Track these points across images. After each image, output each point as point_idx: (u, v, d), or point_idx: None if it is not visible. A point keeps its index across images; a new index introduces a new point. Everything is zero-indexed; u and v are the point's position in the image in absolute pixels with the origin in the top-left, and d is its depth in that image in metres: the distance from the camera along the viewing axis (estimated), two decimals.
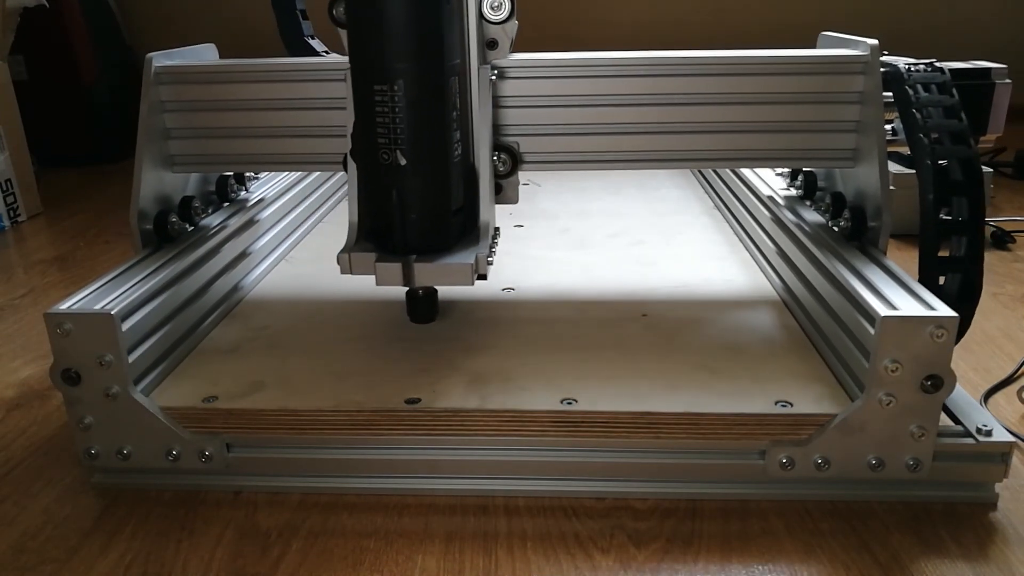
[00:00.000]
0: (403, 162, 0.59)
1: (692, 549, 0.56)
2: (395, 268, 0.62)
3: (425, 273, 0.62)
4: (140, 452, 0.61)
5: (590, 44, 2.12)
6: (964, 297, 0.62)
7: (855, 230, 0.70)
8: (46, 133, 1.75)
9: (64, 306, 0.59)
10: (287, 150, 0.75)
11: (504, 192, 0.71)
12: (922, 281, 0.62)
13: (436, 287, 0.75)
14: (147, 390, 0.63)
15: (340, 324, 0.76)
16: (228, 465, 0.62)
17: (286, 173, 1.01)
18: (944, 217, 0.63)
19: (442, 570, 0.54)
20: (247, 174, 0.91)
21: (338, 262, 0.62)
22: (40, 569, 0.55)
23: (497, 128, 0.71)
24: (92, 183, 1.68)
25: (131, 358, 0.60)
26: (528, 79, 0.70)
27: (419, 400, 0.61)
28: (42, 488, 0.64)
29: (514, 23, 0.65)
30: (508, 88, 0.70)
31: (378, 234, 0.63)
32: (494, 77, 0.68)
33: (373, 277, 0.64)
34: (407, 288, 0.71)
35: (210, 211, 0.83)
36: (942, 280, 0.63)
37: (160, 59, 0.74)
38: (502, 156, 0.70)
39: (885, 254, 0.68)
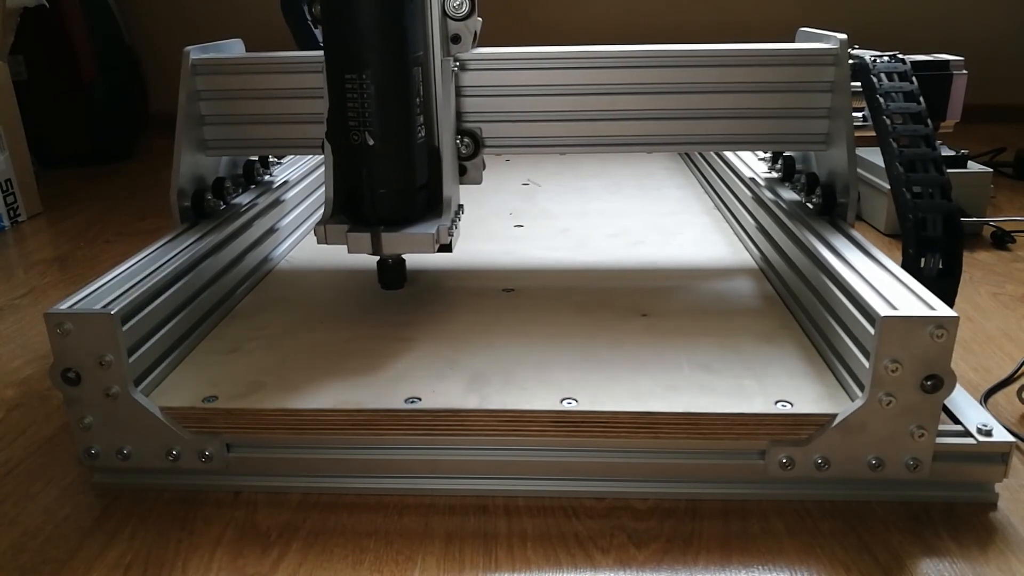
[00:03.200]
0: (371, 143, 0.66)
1: (692, 549, 0.56)
2: (365, 238, 0.68)
3: (391, 242, 0.68)
4: (140, 452, 0.61)
5: (576, 38, 2.12)
6: (950, 232, 0.66)
7: (826, 206, 0.78)
8: (46, 133, 1.75)
9: (64, 306, 0.59)
10: (312, 135, 0.80)
11: (468, 173, 0.79)
12: (905, 233, 0.67)
13: (404, 257, 0.80)
14: (147, 390, 0.63)
15: (340, 324, 0.76)
16: (228, 465, 0.62)
17: (307, 158, 1.08)
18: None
19: (442, 570, 0.54)
20: (270, 158, 0.99)
21: (314, 233, 0.68)
22: (40, 569, 0.55)
23: (461, 114, 0.78)
24: (92, 183, 1.68)
25: (132, 358, 0.60)
26: (488, 71, 0.77)
27: (419, 400, 0.61)
28: (42, 488, 0.64)
29: (476, 20, 0.70)
30: (470, 78, 0.77)
31: (351, 208, 0.70)
32: (456, 68, 0.75)
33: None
34: (378, 257, 0.76)
35: (239, 191, 0.90)
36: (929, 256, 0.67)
37: (196, 52, 0.80)
38: (465, 140, 0.77)
39: (852, 227, 0.75)
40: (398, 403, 0.61)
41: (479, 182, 0.78)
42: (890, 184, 0.70)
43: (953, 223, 0.66)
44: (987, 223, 1.21)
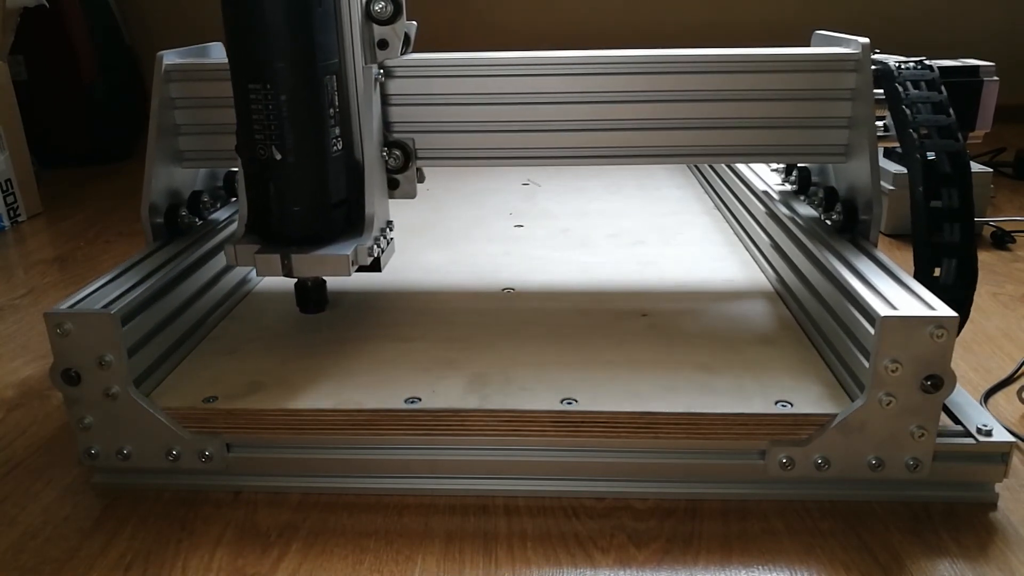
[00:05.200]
0: (278, 157, 0.61)
1: (692, 549, 0.56)
2: (274, 259, 0.63)
3: (303, 264, 0.63)
4: (140, 452, 0.61)
5: (565, 42, 2.12)
6: (963, 282, 0.63)
7: (847, 223, 0.72)
8: (46, 133, 1.75)
9: (64, 306, 0.59)
10: None
11: (401, 187, 0.73)
12: (918, 272, 0.63)
13: (325, 278, 0.75)
14: (147, 390, 0.63)
15: (339, 324, 0.76)
16: (228, 465, 0.62)
17: None
18: (935, 204, 0.65)
19: (442, 570, 0.54)
20: None
21: (224, 253, 0.65)
22: (40, 569, 0.55)
23: (390, 125, 0.72)
24: (92, 183, 1.68)
25: (131, 358, 0.60)
26: (418, 78, 0.71)
27: (419, 400, 0.61)
28: (42, 488, 0.64)
29: (405, 23, 0.66)
30: (399, 87, 0.71)
31: (263, 227, 0.65)
32: (380, 76, 0.69)
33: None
34: (295, 280, 0.71)
35: (218, 206, 0.84)
36: (938, 272, 0.64)
37: (170, 56, 0.75)
38: (394, 152, 0.71)
39: (876, 246, 0.69)
40: (398, 403, 0.61)
41: (413, 196, 0.73)
42: (910, 205, 0.64)
43: (968, 269, 0.62)
44: (987, 223, 1.21)
